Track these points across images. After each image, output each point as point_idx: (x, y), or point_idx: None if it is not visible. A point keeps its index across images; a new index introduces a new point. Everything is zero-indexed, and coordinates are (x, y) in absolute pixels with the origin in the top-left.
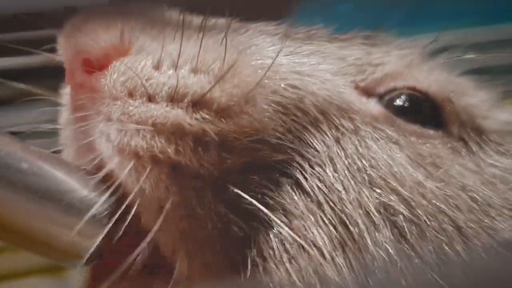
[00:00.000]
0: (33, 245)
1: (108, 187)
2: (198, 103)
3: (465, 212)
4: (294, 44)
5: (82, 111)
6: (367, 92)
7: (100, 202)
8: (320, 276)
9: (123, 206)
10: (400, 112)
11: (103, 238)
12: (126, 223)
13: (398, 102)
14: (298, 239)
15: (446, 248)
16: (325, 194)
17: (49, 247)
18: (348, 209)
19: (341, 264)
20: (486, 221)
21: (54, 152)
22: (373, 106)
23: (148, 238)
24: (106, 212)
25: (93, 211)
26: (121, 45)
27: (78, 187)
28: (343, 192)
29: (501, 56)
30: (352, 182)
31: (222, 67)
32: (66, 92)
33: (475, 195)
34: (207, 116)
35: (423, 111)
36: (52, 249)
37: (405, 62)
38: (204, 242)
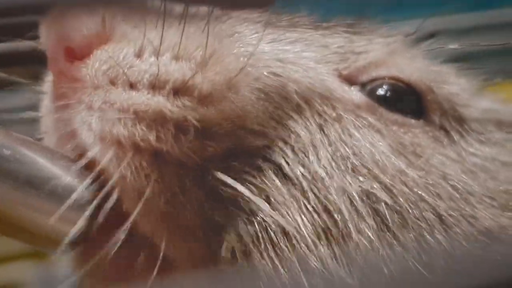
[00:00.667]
0: (15, 232)
1: (90, 174)
2: (179, 90)
3: (446, 200)
4: (277, 32)
5: (64, 99)
6: (350, 80)
7: (81, 189)
8: (303, 264)
9: (103, 193)
10: (382, 101)
11: (85, 224)
12: (108, 210)
13: (380, 91)
14: (282, 222)
15: (427, 236)
16: (309, 181)
17: (32, 234)
18: (332, 196)
19: (324, 251)
20: (466, 209)
21: (36, 139)
22: (356, 95)
23: (126, 225)
24: (88, 199)
25: (74, 197)
26: (102, 33)
27: (61, 174)
28: (326, 179)
29: (483, 43)
30: (336, 169)
31: (204, 54)
32: (48, 80)
33: (456, 183)
34: (188, 103)
35: (405, 100)
36: (35, 236)
37: (388, 51)
38: (185, 229)
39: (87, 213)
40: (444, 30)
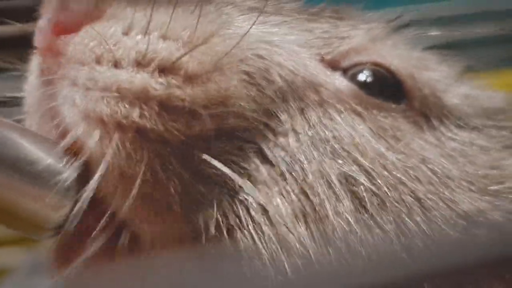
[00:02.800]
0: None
1: (74, 155)
2: (165, 69)
3: (425, 184)
4: (263, 14)
5: (48, 75)
6: (333, 65)
7: (65, 171)
8: (283, 244)
9: (93, 179)
10: (363, 86)
11: (69, 208)
12: (92, 192)
13: (362, 76)
14: (262, 200)
15: (406, 218)
16: (288, 164)
17: (15, 218)
18: (310, 179)
19: (302, 233)
20: (445, 193)
21: (17, 120)
22: (338, 79)
23: (111, 207)
24: (73, 182)
25: (58, 180)
26: (93, 10)
27: (45, 157)
28: (305, 162)
29: (464, 31)
30: (315, 152)
31: (192, 34)
32: (35, 59)
33: (435, 167)
34: (173, 81)
35: (385, 85)
36: (18, 220)
37: (370, 37)
38: (166, 208)
39: (74, 196)
40: (426, 17)
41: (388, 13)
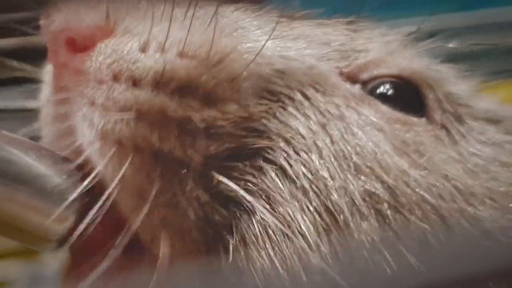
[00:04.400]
0: (4, 229)
1: (84, 173)
2: (183, 89)
3: (448, 201)
4: (279, 28)
5: (65, 92)
6: (351, 78)
7: (74, 188)
8: (304, 264)
9: (105, 195)
10: (384, 99)
11: (74, 222)
12: (102, 209)
13: (382, 89)
14: (280, 225)
15: (429, 236)
16: (311, 180)
17: (21, 231)
18: (334, 196)
19: (325, 251)
20: (469, 210)
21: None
22: (358, 93)
23: (127, 227)
24: (78, 197)
25: (65, 196)
26: (106, 25)
27: (51, 172)
28: (328, 179)
29: (483, 43)
30: (338, 169)
31: (209, 51)
32: (48, 70)
33: (458, 184)
34: (192, 103)
35: (406, 99)
36: (24, 233)
37: (388, 49)
38: (185, 230)
39: (78, 210)
40: (444, 29)
41: (404, 25)
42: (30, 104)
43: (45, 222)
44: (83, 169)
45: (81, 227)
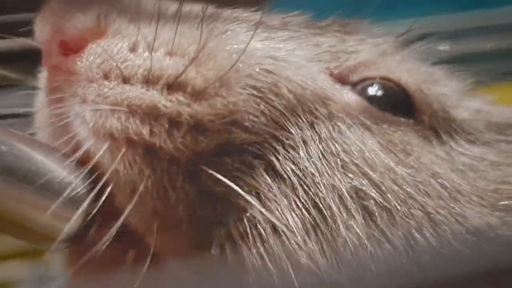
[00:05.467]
0: (10, 228)
1: (84, 169)
2: (173, 86)
3: (434, 199)
4: (269, 30)
5: (58, 93)
6: (341, 79)
7: (76, 184)
8: (292, 260)
9: (98, 188)
10: (373, 100)
11: (79, 220)
12: (100, 204)
13: (371, 90)
14: (272, 218)
15: (416, 233)
16: (299, 177)
17: (26, 229)
18: (322, 193)
19: (313, 248)
20: (455, 207)
21: (29, 134)
22: (347, 93)
23: (121, 219)
24: (81, 194)
25: (68, 193)
26: (97, 27)
27: (58, 171)
28: (316, 175)
29: (473, 45)
30: (326, 166)
31: (197, 50)
32: (43, 76)
33: (444, 182)
34: (181, 98)
35: (395, 100)
36: (29, 232)
37: (379, 51)
38: (175, 223)
39: (82, 208)
40: (435, 31)
41: (395, 27)
42: (24, 109)
43: (52, 221)
44: (87, 166)
45: (87, 225)
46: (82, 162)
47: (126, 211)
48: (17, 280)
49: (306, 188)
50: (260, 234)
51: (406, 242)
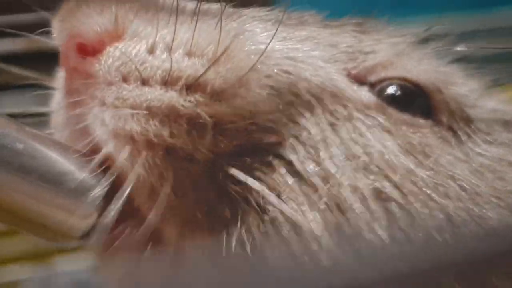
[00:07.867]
0: (28, 226)
1: (103, 170)
2: (192, 86)
3: (454, 200)
4: (287, 30)
5: (76, 95)
6: (359, 80)
7: (96, 184)
8: (313, 260)
9: (121, 191)
10: (391, 101)
11: (97, 218)
12: (120, 204)
13: (389, 91)
14: (293, 218)
15: (436, 235)
16: (321, 177)
17: (44, 227)
18: (344, 194)
19: (335, 249)
20: (474, 209)
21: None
22: (365, 94)
23: (146, 223)
24: (101, 194)
25: (88, 193)
26: (115, 30)
27: (73, 169)
28: (338, 176)
29: (490, 46)
30: (348, 167)
31: (216, 51)
32: (60, 76)
33: (463, 183)
34: (201, 99)
35: (413, 100)
36: (48, 230)
37: (396, 51)
38: (192, 220)
39: (102, 207)
40: (449, 32)
41: (412, 27)
42: (40, 109)
43: (69, 218)
44: (103, 166)
45: (105, 223)
46: (101, 162)
47: (150, 215)
48: (24, 282)
49: (327, 188)
50: (280, 234)
51: (426, 244)
